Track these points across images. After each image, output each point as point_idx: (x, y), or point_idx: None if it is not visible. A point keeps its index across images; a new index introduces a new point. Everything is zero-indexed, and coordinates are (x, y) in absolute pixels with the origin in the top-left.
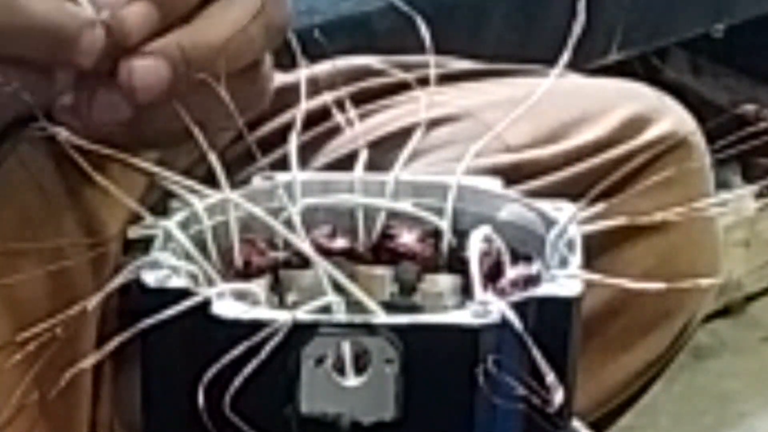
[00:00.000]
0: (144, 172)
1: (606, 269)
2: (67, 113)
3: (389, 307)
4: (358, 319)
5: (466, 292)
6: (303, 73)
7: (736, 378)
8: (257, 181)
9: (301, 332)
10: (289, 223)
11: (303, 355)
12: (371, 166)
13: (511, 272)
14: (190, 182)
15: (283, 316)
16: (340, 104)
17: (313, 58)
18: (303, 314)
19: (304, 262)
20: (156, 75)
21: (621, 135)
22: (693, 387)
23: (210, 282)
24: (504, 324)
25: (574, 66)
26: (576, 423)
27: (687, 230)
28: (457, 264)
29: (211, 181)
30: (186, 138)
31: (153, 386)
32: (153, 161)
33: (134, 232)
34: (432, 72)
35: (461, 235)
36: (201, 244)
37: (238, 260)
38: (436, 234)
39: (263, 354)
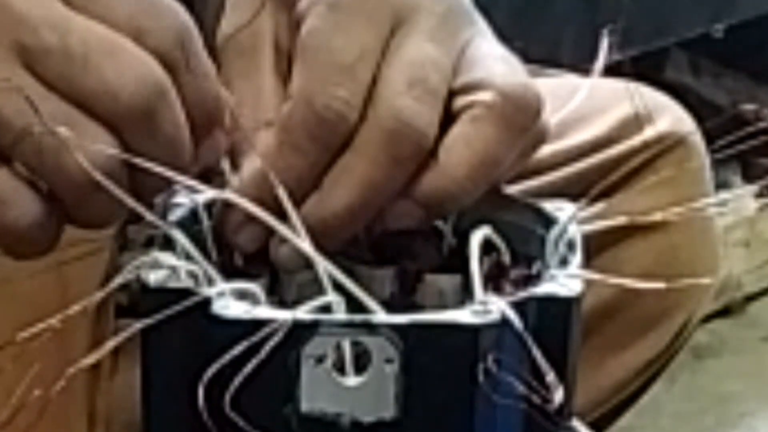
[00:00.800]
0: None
1: (605, 267)
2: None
3: (389, 306)
4: (358, 318)
5: (466, 291)
6: None
7: (736, 378)
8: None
9: (302, 331)
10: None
11: (303, 355)
12: None
13: (512, 272)
14: (190, 181)
15: (283, 316)
16: None
17: None
18: (303, 313)
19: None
20: (300, 256)
21: (619, 134)
22: (693, 387)
23: (210, 281)
24: (504, 323)
25: (574, 66)
26: (576, 422)
27: (686, 229)
28: (457, 263)
29: (206, 178)
30: None
31: (153, 385)
32: None
33: (134, 232)
34: None
35: (462, 234)
36: (201, 244)
37: (238, 259)
38: (437, 233)
39: (263, 353)
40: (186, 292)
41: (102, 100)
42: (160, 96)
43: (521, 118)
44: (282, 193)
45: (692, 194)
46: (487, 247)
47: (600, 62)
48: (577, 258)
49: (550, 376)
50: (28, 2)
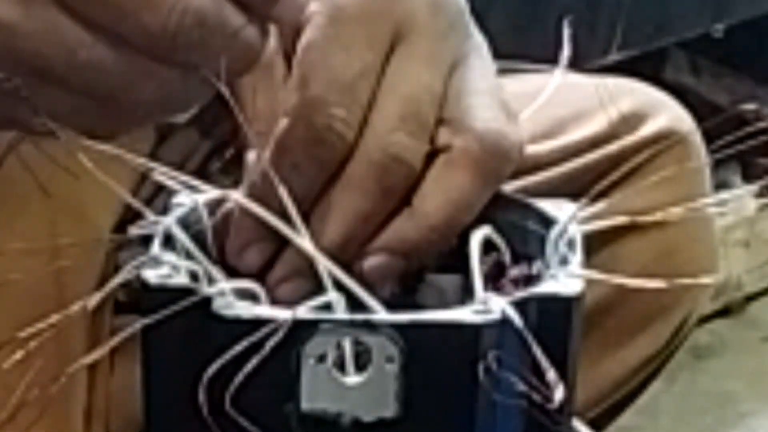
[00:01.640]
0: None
1: (604, 264)
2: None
3: (390, 305)
4: (359, 317)
5: (466, 290)
6: None
7: (736, 378)
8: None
9: (302, 330)
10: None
11: (304, 353)
12: None
13: (512, 271)
14: (188, 179)
15: (283, 314)
16: None
17: None
18: (304, 312)
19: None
20: (298, 292)
21: (618, 131)
22: (693, 387)
23: (211, 280)
24: (505, 321)
25: (573, 66)
26: (576, 421)
27: (685, 226)
28: (458, 263)
29: (202, 175)
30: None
31: (154, 384)
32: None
33: (135, 230)
34: None
35: (462, 234)
36: (201, 242)
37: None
38: None
39: (264, 352)
40: (186, 291)
41: None
42: None
43: (496, 167)
44: (282, 192)
45: (691, 191)
46: (488, 246)
47: (565, 54)
48: (577, 257)
49: (551, 375)
50: None
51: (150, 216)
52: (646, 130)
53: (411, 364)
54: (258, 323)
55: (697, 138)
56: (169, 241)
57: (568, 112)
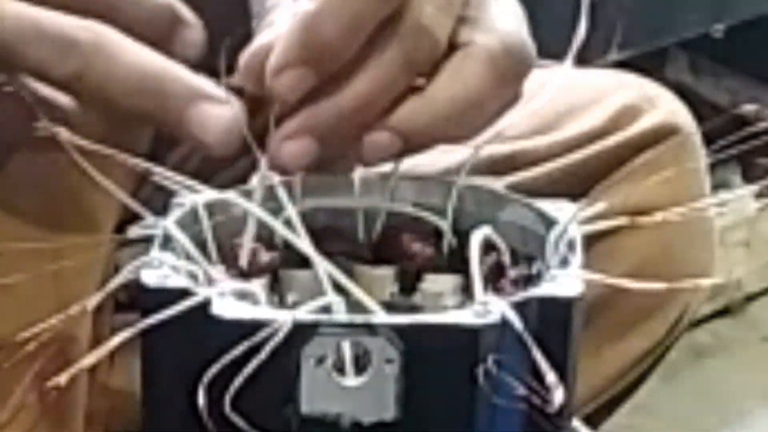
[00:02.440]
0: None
1: (600, 259)
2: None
3: (390, 307)
4: (358, 319)
5: (466, 292)
6: None
7: (737, 377)
8: (256, 181)
9: (302, 332)
10: (288, 223)
11: (303, 355)
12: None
13: (512, 272)
14: (188, 181)
15: (283, 316)
16: None
17: None
18: (303, 314)
19: (305, 262)
20: (302, 153)
21: (614, 125)
22: (693, 386)
23: (210, 281)
24: (504, 324)
25: (573, 65)
26: (576, 423)
27: (681, 222)
28: (457, 264)
29: (201, 175)
30: None
31: (153, 386)
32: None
33: (134, 232)
34: None
35: (462, 234)
36: (201, 243)
37: (243, 259)
38: (437, 234)
39: (263, 354)
40: (186, 292)
41: None
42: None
43: (515, 69)
44: (281, 191)
45: (688, 186)
46: (487, 247)
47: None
48: (577, 258)
49: (551, 377)
50: None
51: (149, 217)
52: (643, 123)
53: (410, 366)
54: (257, 325)
55: (693, 130)
56: (168, 242)
57: (565, 107)
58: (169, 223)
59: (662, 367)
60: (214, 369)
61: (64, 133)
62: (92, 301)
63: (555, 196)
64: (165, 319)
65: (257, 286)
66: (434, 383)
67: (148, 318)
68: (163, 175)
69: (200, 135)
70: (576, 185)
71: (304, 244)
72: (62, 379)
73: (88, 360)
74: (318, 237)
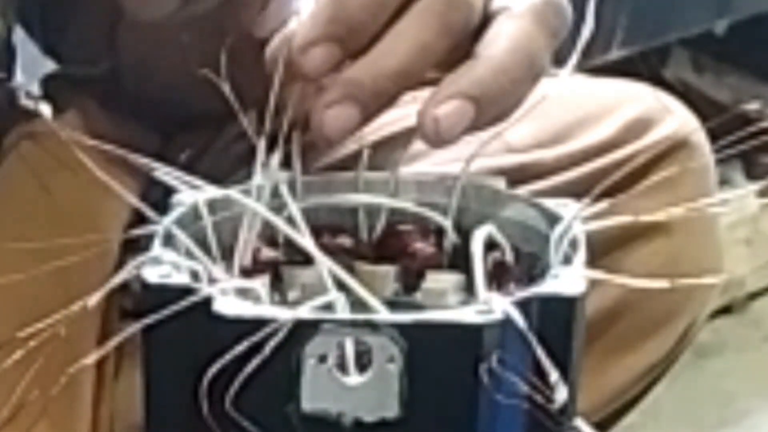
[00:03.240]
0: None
1: (609, 272)
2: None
3: (392, 304)
4: (360, 317)
5: (469, 290)
6: None
7: (738, 376)
8: (259, 178)
9: (304, 330)
10: (291, 221)
11: (305, 353)
12: (374, 166)
13: (515, 270)
14: (190, 178)
15: (285, 314)
16: None
17: None
18: (305, 312)
19: (307, 260)
20: (346, 120)
21: (625, 137)
22: (695, 385)
23: (212, 279)
24: (507, 322)
25: (575, 64)
26: (578, 421)
27: (690, 232)
28: (460, 262)
29: (212, 176)
30: None
31: (155, 384)
32: (153, 157)
33: (136, 231)
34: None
35: (464, 232)
36: (202, 241)
37: (246, 257)
38: (440, 232)
39: (265, 352)
40: (187, 290)
41: None
42: None
43: (557, 23)
44: (283, 189)
45: (696, 195)
46: (490, 244)
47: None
48: (580, 257)
49: (554, 376)
50: None
51: (151, 215)
52: (654, 135)
53: (413, 365)
54: (259, 323)
55: (702, 141)
56: (170, 240)
57: (575, 118)
58: (169, 220)
59: None
60: (215, 367)
61: (65, 130)
62: (93, 299)
63: None
64: (166, 316)
65: (259, 283)
66: (437, 382)
67: (149, 316)
68: (164, 171)
69: None
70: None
71: (306, 241)
72: (64, 378)
73: (88, 359)
74: (320, 235)
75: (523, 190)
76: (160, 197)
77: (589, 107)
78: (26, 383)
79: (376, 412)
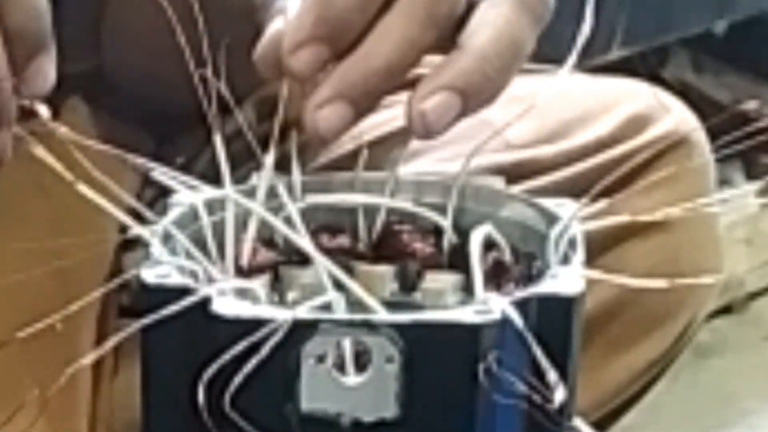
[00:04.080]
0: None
1: (607, 270)
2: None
3: (390, 305)
4: (358, 317)
5: (467, 289)
6: None
7: (739, 376)
8: (256, 179)
9: (302, 330)
10: (289, 221)
11: (303, 353)
12: (371, 165)
13: (513, 270)
14: (187, 178)
15: (283, 314)
16: None
17: None
18: (303, 312)
19: (305, 260)
20: (338, 119)
21: (623, 134)
22: (695, 385)
23: (210, 279)
24: (505, 322)
25: (575, 64)
26: (577, 421)
27: (688, 230)
28: (458, 261)
29: (209, 177)
30: None
31: (153, 384)
32: (149, 158)
33: (134, 231)
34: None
35: (462, 232)
36: (200, 241)
37: (244, 258)
38: (438, 231)
39: (263, 352)
40: (186, 290)
41: None
42: None
43: (540, 8)
44: (281, 189)
45: (695, 193)
46: (488, 244)
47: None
48: (578, 256)
49: (552, 376)
50: None
51: (149, 216)
52: (652, 133)
53: (411, 365)
54: (257, 323)
55: (701, 139)
56: (169, 241)
57: (573, 115)
58: (168, 221)
59: None
60: (213, 367)
61: (62, 130)
62: (92, 298)
63: None
64: (165, 317)
65: (257, 284)
66: (435, 381)
67: (147, 316)
68: (161, 172)
69: None
70: (583, 195)
71: (304, 241)
72: (63, 378)
73: (87, 359)
74: (318, 235)
75: (521, 187)
76: (156, 195)
77: (588, 104)
78: (25, 382)
79: (375, 412)
